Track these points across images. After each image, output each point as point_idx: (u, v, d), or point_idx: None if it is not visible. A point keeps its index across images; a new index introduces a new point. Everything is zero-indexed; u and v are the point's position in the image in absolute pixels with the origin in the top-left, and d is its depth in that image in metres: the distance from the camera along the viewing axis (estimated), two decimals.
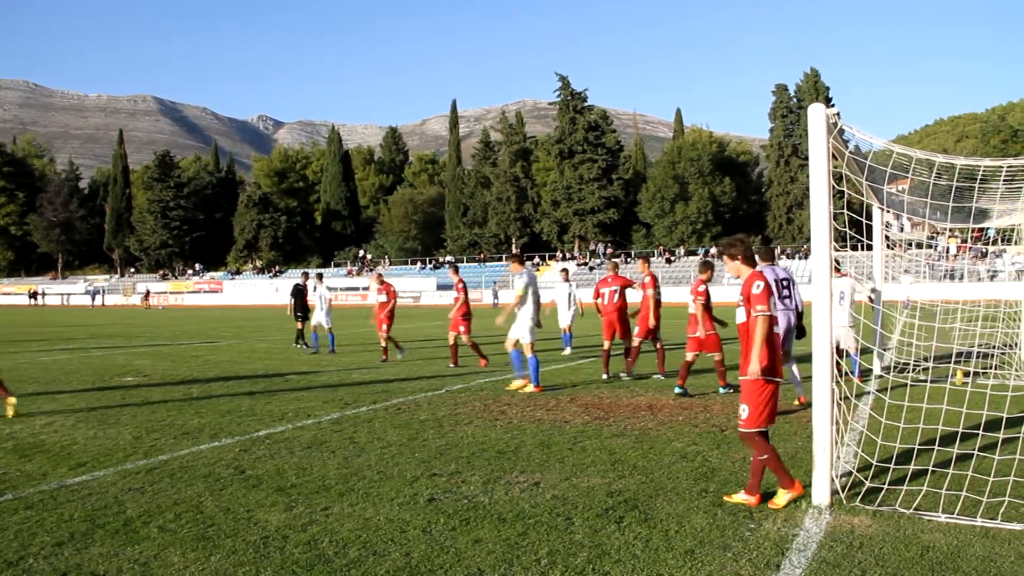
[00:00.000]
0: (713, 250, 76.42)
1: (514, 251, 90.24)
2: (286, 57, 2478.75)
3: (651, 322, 14.12)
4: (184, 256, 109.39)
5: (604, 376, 14.48)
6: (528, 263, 14.45)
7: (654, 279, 14.45)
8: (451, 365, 16.99)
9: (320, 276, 22.50)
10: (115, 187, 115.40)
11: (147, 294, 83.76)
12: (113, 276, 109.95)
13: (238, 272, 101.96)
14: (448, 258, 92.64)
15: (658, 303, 14.37)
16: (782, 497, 6.26)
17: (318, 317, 21.16)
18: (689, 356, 12.49)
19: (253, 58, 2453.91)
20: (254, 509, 6.39)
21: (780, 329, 10.95)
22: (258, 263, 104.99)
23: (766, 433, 6.30)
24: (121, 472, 7.74)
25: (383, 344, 18.60)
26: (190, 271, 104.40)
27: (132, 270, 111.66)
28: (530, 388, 13.01)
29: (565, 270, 16.38)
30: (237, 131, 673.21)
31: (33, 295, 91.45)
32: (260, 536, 5.73)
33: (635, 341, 14.34)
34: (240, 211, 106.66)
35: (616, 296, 14.66)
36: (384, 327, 18.59)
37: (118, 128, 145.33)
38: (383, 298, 18.82)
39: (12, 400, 11.15)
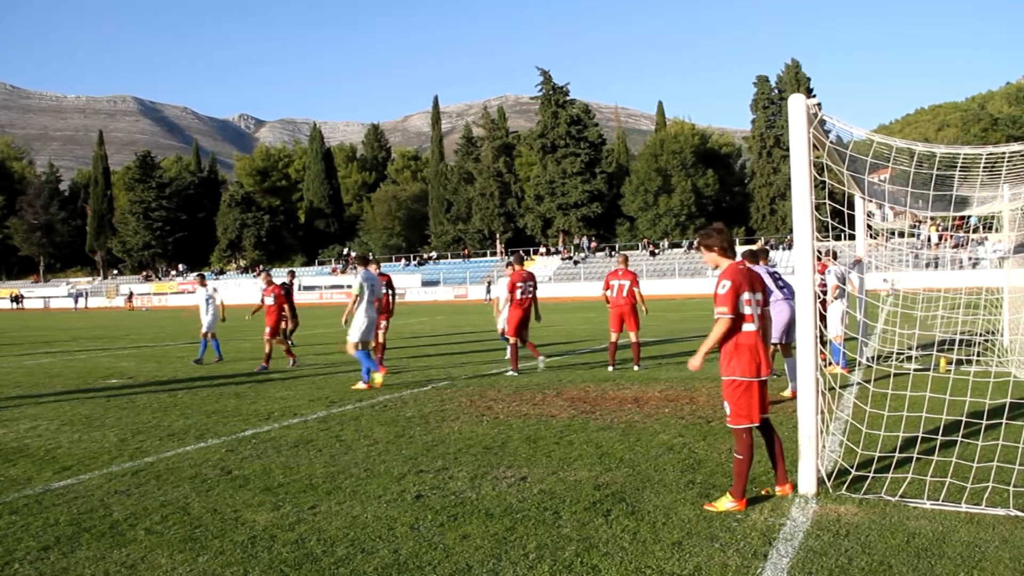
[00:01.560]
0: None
1: (506, 249, 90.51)
2: (267, 55, 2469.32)
3: (516, 320, 14.64)
4: (167, 257, 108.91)
5: (610, 368, 14.68)
6: (372, 264, 14.69)
7: (513, 282, 14.82)
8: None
9: (202, 277, 20.08)
10: (96, 188, 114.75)
11: (130, 296, 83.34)
12: (96, 278, 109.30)
13: (222, 272, 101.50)
14: (435, 254, 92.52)
15: (524, 302, 14.80)
16: (723, 503, 6.05)
17: (207, 323, 18.69)
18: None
19: (234, 57, 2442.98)
20: (241, 509, 6.37)
21: (784, 321, 11.00)
22: (242, 262, 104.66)
23: (751, 431, 6.21)
24: (107, 475, 7.70)
25: (267, 350, 16.88)
26: (173, 272, 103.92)
27: (115, 272, 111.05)
28: (361, 385, 13.23)
29: (511, 264, 16.03)
30: (218, 130, 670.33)
31: (16, 299, 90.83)
32: (248, 536, 5.71)
33: (511, 339, 14.85)
34: (223, 211, 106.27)
35: (626, 290, 14.77)
36: (270, 331, 16.96)
37: (98, 129, 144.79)
38: (271, 300, 17.09)
39: None
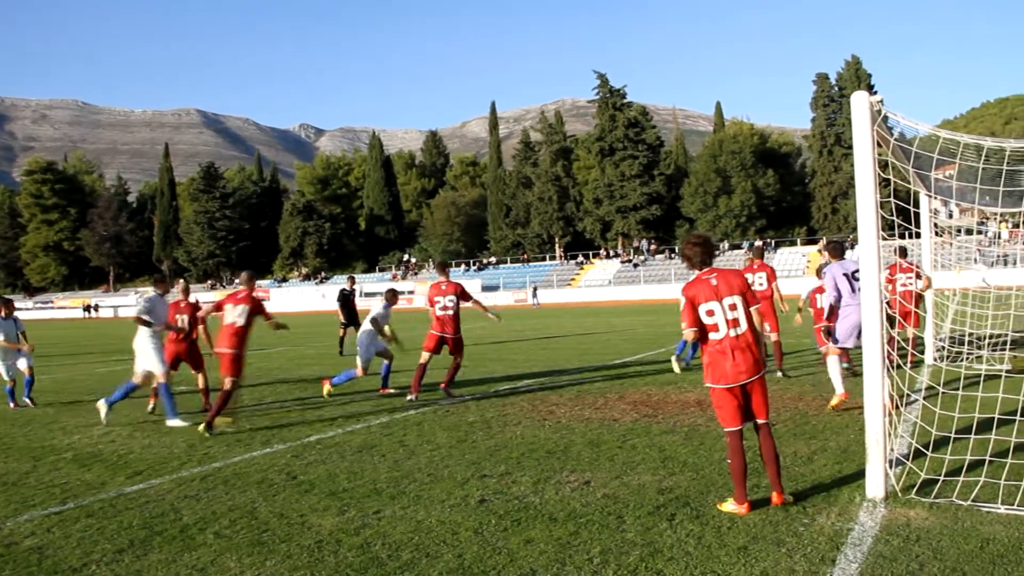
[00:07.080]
0: (758, 242, 75.98)
1: (565, 253, 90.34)
2: (325, 66, 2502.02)
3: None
4: (231, 265, 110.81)
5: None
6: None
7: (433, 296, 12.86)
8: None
9: (8, 302, 14.74)
10: (162, 200, 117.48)
11: (197, 304, 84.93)
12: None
13: (284, 280, 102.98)
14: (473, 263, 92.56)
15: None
16: (727, 505, 6.10)
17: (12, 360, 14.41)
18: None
19: (293, 68, 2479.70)
20: (307, 514, 6.46)
21: (853, 324, 10.45)
22: (304, 270, 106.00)
23: (735, 435, 6.18)
24: (177, 480, 7.87)
25: (201, 386, 13.33)
26: (237, 280, 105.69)
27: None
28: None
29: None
30: (279, 140, 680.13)
31: (88, 308, 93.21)
32: (314, 540, 5.79)
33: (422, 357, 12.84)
34: (285, 219, 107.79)
35: (764, 285, 13.55)
36: (193, 363, 13.13)
37: (164, 142, 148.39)
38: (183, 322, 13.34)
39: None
